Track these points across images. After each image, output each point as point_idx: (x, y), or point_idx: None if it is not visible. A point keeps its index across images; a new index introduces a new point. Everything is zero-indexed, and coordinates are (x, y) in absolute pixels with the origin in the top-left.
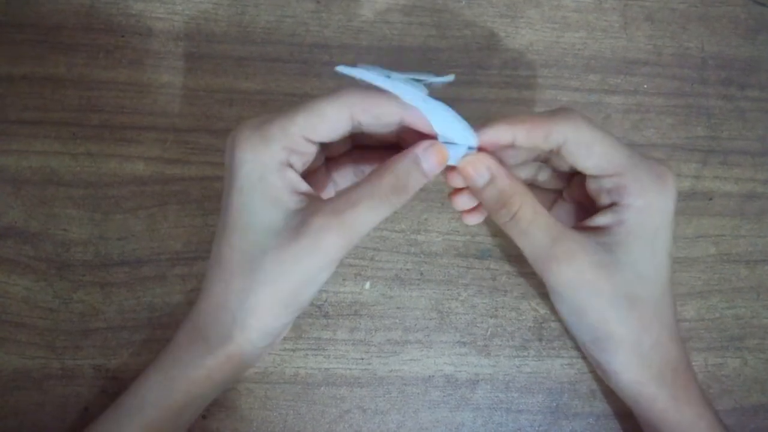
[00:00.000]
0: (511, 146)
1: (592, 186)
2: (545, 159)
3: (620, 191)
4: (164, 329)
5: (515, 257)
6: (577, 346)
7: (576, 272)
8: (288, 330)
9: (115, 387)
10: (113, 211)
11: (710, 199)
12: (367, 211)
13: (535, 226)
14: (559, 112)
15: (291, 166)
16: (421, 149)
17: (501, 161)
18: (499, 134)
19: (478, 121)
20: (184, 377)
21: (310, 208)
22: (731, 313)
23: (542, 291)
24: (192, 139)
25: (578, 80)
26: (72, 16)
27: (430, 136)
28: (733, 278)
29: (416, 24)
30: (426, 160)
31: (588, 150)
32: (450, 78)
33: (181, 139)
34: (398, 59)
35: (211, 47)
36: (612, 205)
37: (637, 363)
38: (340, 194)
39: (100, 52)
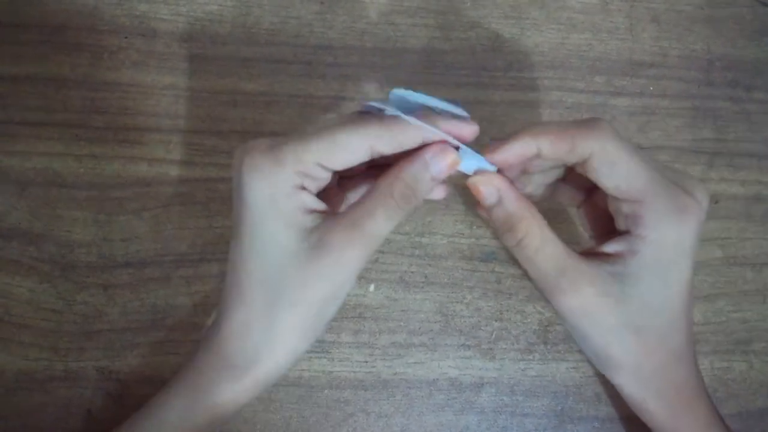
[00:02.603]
0: (538, 157)
1: (611, 205)
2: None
3: (636, 220)
4: (168, 331)
5: None
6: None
7: (579, 303)
8: (311, 344)
9: (118, 389)
10: (117, 213)
11: (716, 201)
12: (384, 219)
13: (541, 255)
14: (587, 123)
15: (305, 188)
16: (430, 154)
17: (513, 182)
18: (524, 148)
19: (484, 122)
20: (209, 403)
21: (326, 225)
22: (737, 316)
23: None
24: (196, 141)
25: (584, 82)
26: (76, 17)
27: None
28: (739, 281)
29: (420, 25)
30: (435, 164)
31: (611, 169)
32: (467, 118)
33: (185, 141)
34: (402, 61)
35: (215, 48)
36: (627, 233)
37: (637, 383)
38: (355, 206)
39: (104, 53)
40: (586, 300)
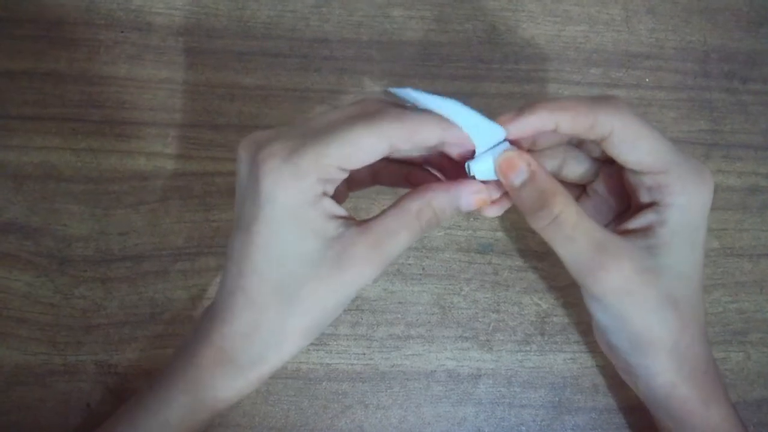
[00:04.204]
0: (552, 132)
1: (630, 180)
2: (578, 143)
3: (662, 189)
4: (166, 325)
5: (517, 252)
6: (580, 341)
7: (622, 280)
8: None
9: (117, 382)
10: (114, 207)
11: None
12: (406, 241)
13: (580, 231)
14: (605, 100)
15: (326, 194)
16: (465, 192)
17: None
18: (542, 121)
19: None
20: (211, 399)
21: (349, 238)
22: (734, 307)
23: (544, 285)
24: (193, 135)
25: (580, 74)
26: (72, 12)
27: (458, 162)
28: (736, 272)
29: (417, 18)
30: (467, 203)
31: (633, 145)
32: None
33: (182, 135)
34: (399, 54)
35: (211, 42)
36: (652, 204)
37: (673, 366)
38: (378, 223)
39: (100, 47)
40: (628, 277)
